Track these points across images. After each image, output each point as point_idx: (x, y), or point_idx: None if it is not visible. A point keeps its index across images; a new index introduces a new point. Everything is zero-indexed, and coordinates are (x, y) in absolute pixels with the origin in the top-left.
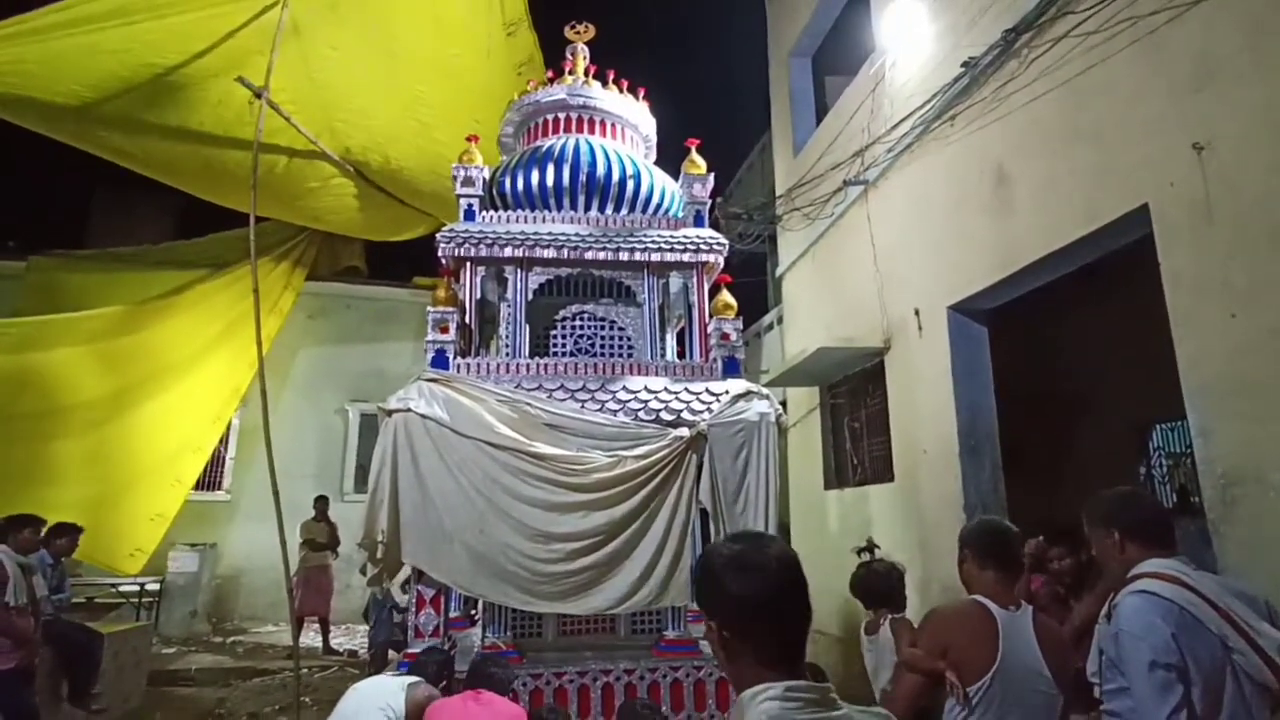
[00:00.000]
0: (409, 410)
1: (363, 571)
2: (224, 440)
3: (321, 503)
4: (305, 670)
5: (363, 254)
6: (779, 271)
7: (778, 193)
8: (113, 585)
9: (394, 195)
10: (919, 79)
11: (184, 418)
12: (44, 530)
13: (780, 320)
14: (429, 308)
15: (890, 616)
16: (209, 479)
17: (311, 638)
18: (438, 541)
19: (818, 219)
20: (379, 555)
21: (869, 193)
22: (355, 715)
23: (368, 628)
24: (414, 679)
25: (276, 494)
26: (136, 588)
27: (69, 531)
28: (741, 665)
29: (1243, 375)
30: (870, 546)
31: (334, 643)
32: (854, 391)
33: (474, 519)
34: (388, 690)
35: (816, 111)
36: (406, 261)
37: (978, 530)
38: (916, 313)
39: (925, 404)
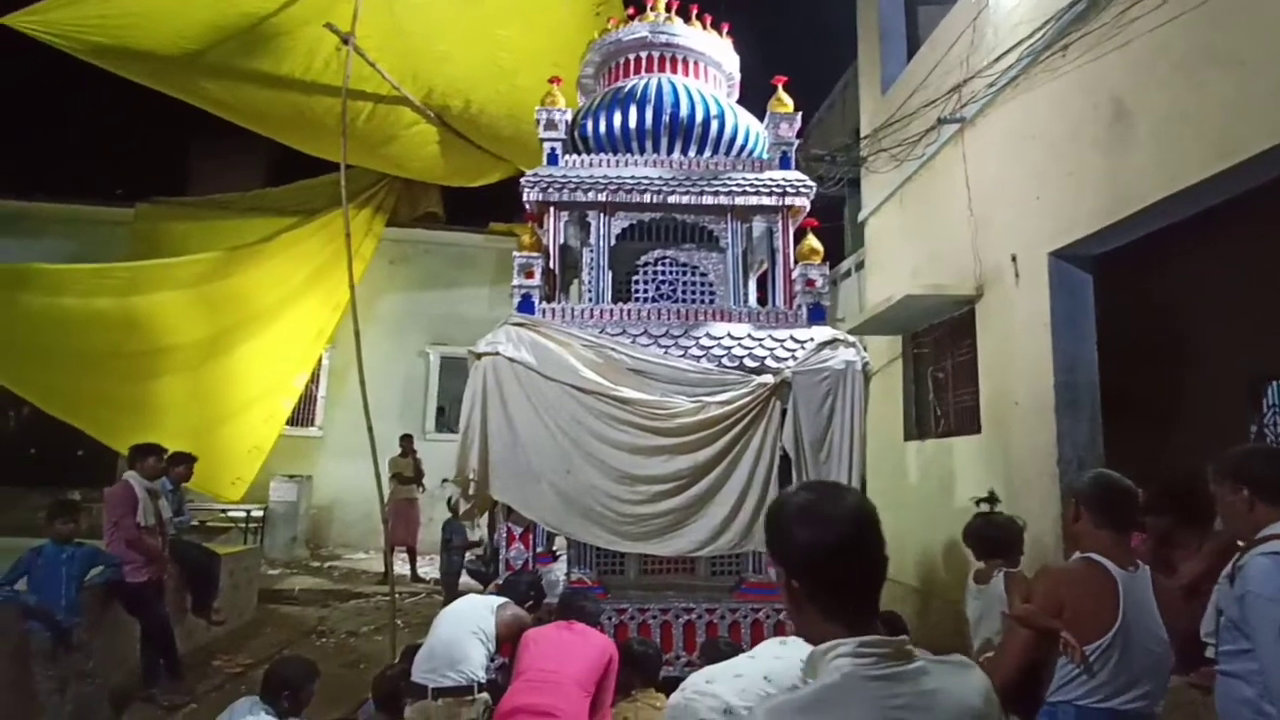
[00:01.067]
0: (497, 354)
1: (452, 507)
2: (314, 379)
3: (407, 440)
4: (397, 595)
5: (440, 200)
6: (862, 216)
7: (863, 133)
8: (222, 511)
9: (473, 141)
10: (1029, 5)
11: (276, 357)
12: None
13: (860, 267)
14: (515, 253)
15: (1005, 570)
16: (302, 415)
17: (400, 565)
18: (526, 481)
19: (906, 160)
20: (470, 492)
21: (965, 131)
22: (450, 639)
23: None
24: (502, 600)
25: (371, 431)
26: (243, 514)
27: (186, 460)
28: (809, 617)
29: None
30: (991, 498)
31: (420, 571)
32: (939, 341)
33: (561, 460)
34: (479, 613)
35: (908, 45)
36: (482, 208)
37: (1096, 486)
38: (1014, 259)
39: (1020, 354)
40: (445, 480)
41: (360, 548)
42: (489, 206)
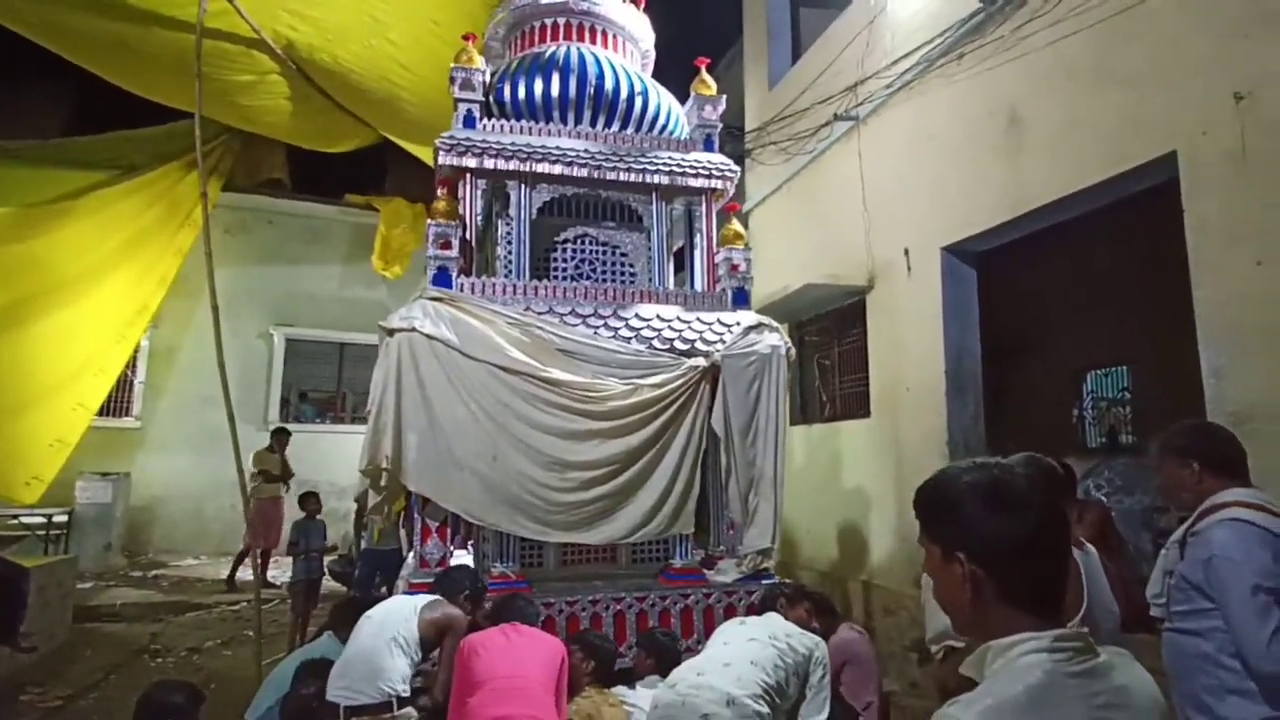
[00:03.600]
0: (413, 330)
1: (360, 501)
2: (131, 364)
3: (281, 435)
4: (246, 603)
5: (285, 166)
6: (747, 206)
7: (748, 125)
8: (13, 516)
9: (336, 100)
10: (927, 14)
11: (85, 336)
12: None
13: None
14: (429, 221)
15: None
16: (115, 405)
17: (242, 571)
18: (446, 469)
19: (796, 155)
20: (383, 483)
21: (859, 129)
22: (367, 650)
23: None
24: (430, 599)
25: (232, 421)
26: (42, 519)
27: None
28: (992, 607)
29: (1264, 320)
30: None
31: (269, 575)
32: (825, 330)
33: (485, 446)
34: (400, 617)
35: (793, 45)
36: (335, 177)
37: (1044, 472)
38: (906, 252)
39: (911, 343)
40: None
41: (188, 553)
42: (343, 176)
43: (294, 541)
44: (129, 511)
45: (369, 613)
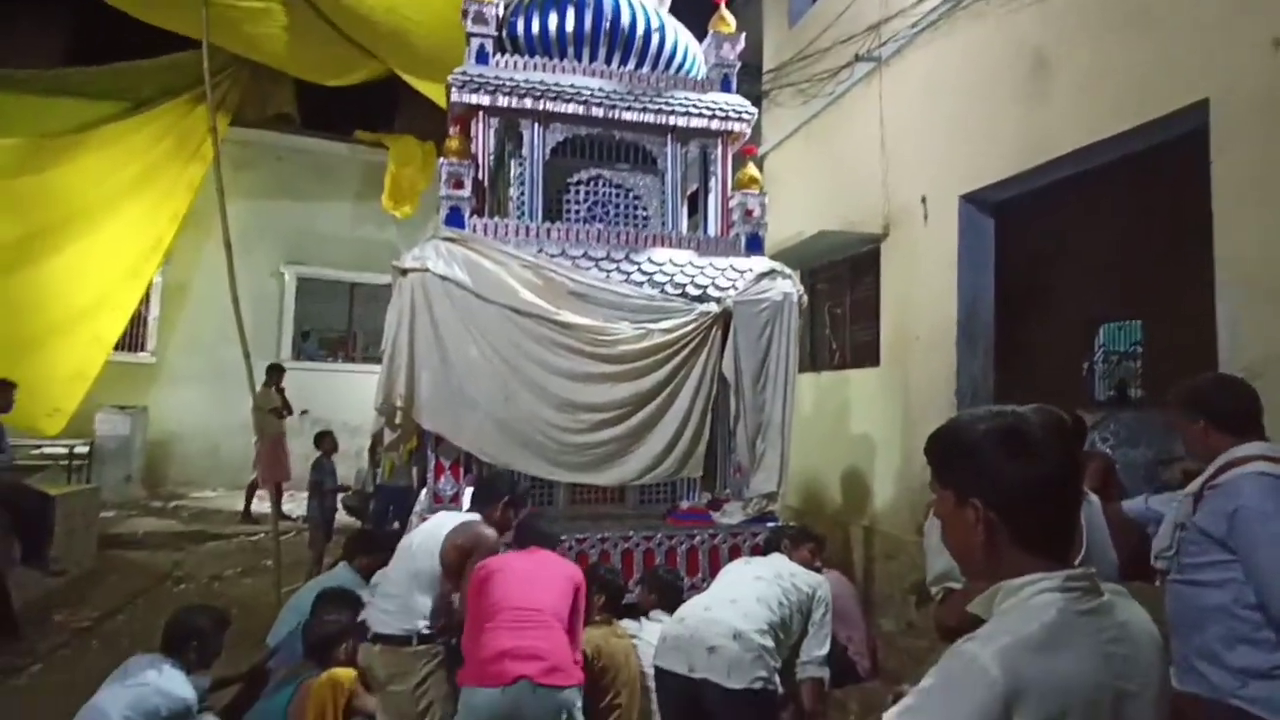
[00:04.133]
0: (426, 270)
1: (376, 438)
2: (145, 299)
3: (277, 371)
4: (263, 534)
5: (294, 100)
6: (763, 149)
7: (766, 65)
8: (35, 446)
9: (342, 30)
10: None
11: (99, 271)
12: None
13: None
14: (442, 160)
15: None
16: (131, 340)
17: (258, 503)
18: (460, 409)
19: (814, 96)
20: (397, 421)
21: (881, 71)
22: (399, 579)
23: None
24: (460, 522)
25: (248, 359)
26: (64, 450)
27: (3, 387)
28: (1005, 552)
29: None
30: None
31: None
32: (838, 277)
33: (498, 387)
34: (426, 551)
35: None
36: (343, 113)
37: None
38: (923, 200)
39: (924, 292)
40: (304, 412)
41: (205, 485)
42: (352, 112)
43: (318, 481)
44: (147, 445)
45: (408, 540)
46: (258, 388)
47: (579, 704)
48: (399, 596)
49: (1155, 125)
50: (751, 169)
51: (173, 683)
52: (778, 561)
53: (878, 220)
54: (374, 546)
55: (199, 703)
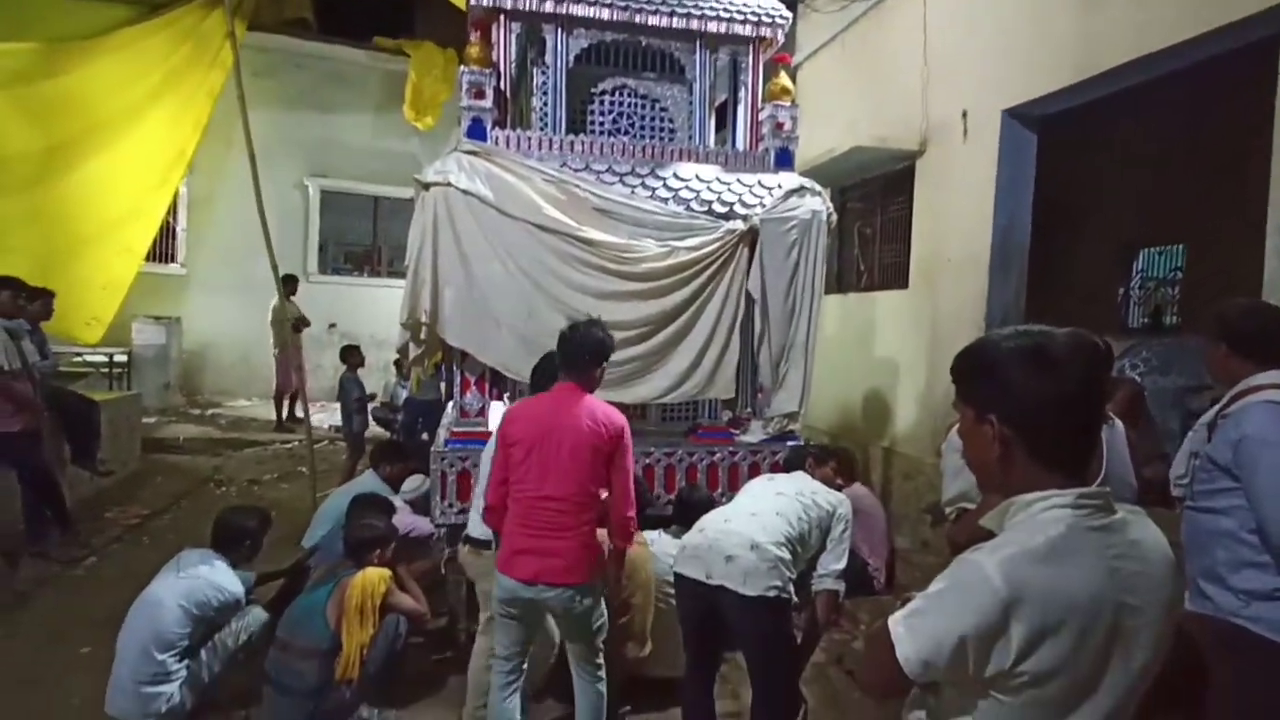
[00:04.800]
0: (449, 185)
1: (402, 353)
2: (173, 210)
3: (292, 283)
4: (298, 442)
5: (311, 4)
6: (797, 60)
7: None
8: (77, 354)
9: None
10: None
11: (126, 181)
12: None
13: None
14: (462, 68)
15: None
16: (161, 251)
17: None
18: (485, 325)
19: (854, 1)
20: (423, 336)
21: None
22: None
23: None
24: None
25: (276, 271)
26: (104, 358)
27: (43, 295)
28: (1020, 468)
29: None
30: None
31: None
32: (869, 196)
33: (521, 304)
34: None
35: None
36: (360, 20)
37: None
38: (964, 115)
39: (958, 212)
40: (332, 325)
41: (240, 395)
42: (370, 17)
43: (359, 397)
44: (183, 355)
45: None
46: (272, 299)
47: (589, 598)
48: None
49: (1219, 34)
50: (784, 79)
51: (223, 577)
52: (800, 479)
53: (914, 136)
54: (400, 455)
55: (246, 596)
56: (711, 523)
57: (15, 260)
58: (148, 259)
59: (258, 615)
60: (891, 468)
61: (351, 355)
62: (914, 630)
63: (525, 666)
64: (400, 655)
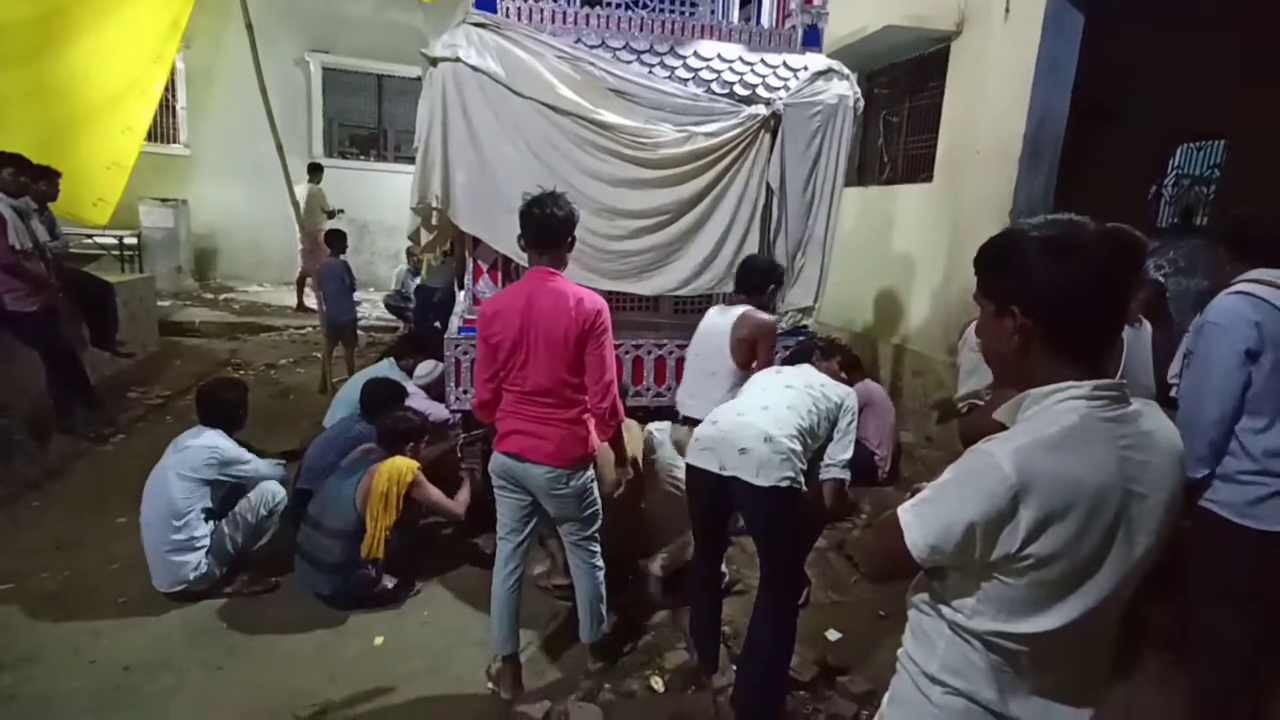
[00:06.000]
0: (458, 60)
1: (414, 239)
2: (170, 86)
3: (319, 171)
4: (311, 328)
5: None
6: None
7: None
8: (87, 236)
9: None
10: None
11: (120, 55)
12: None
13: None
14: None
15: None
16: (163, 130)
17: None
18: (497, 211)
19: None
20: (434, 222)
21: None
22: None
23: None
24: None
25: (281, 151)
26: (114, 240)
27: (48, 174)
28: (1038, 359)
29: None
30: None
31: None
32: (898, 82)
33: (534, 188)
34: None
35: None
36: None
37: None
38: None
39: (992, 99)
40: (340, 211)
41: (251, 280)
42: None
43: (345, 282)
44: (192, 238)
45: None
46: (298, 185)
47: (576, 481)
48: None
49: None
50: None
51: (210, 439)
52: (807, 372)
53: (951, 15)
54: (419, 348)
55: (281, 482)
56: (724, 416)
57: (17, 139)
58: (150, 139)
59: (274, 489)
60: (902, 364)
61: (334, 240)
62: (923, 517)
63: (526, 552)
64: (418, 534)
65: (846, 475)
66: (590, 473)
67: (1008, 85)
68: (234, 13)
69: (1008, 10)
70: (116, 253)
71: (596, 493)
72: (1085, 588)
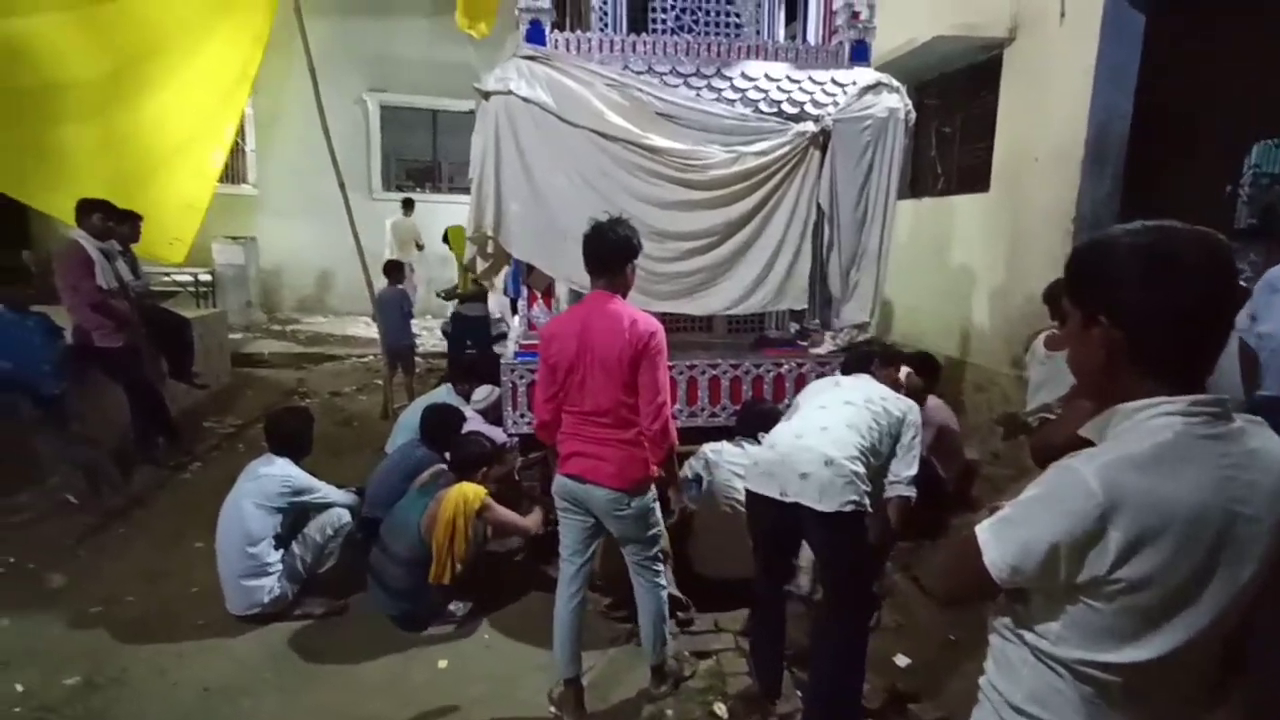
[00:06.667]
0: (510, 93)
1: (469, 267)
2: (240, 130)
3: (410, 206)
4: (373, 356)
5: None
6: None
7: None
8: (164, 274)
9: None
10: None
11: (195, 102)
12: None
13: None
14: None
15: None
16: (234, 172)
17: (364, 327)
18: (550, 239)
19: None
20: (489, 250)
21: None
22: None
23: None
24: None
25: (343, 188)
26: (189, 277)
27: (131, 218)
28: (1129, 373)
29: None
30: None
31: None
32: (949, 92)
33: (586, 215)
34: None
35: None
36: None
37: None
38: None
39: (1050, 105)
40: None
41: (316, 311)
42: None
43: (403, 311)
44: (260, 273)
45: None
46: (390, 218)
47: (637, 503)
48: None
49: None
50: None
51: (281, 468)
52: (866, 385)
53: (1003, 23)
54: (474, 375)
55: (352, 511)
56: (783, 438)
57: (94, 186)
58: (221, 180)
59: (340, 513)
60: (963, 379)
61: (391, 271)
62: (1002, 537)
63: (590, 575)
64: (483, 558)
65: (912, 492)
66: (652, 494)
67: (1066, 90)
68: (298, 58)
69: (1063, 14)
70: (192, 289)
71: (659, 514)
72: (1182, 616)
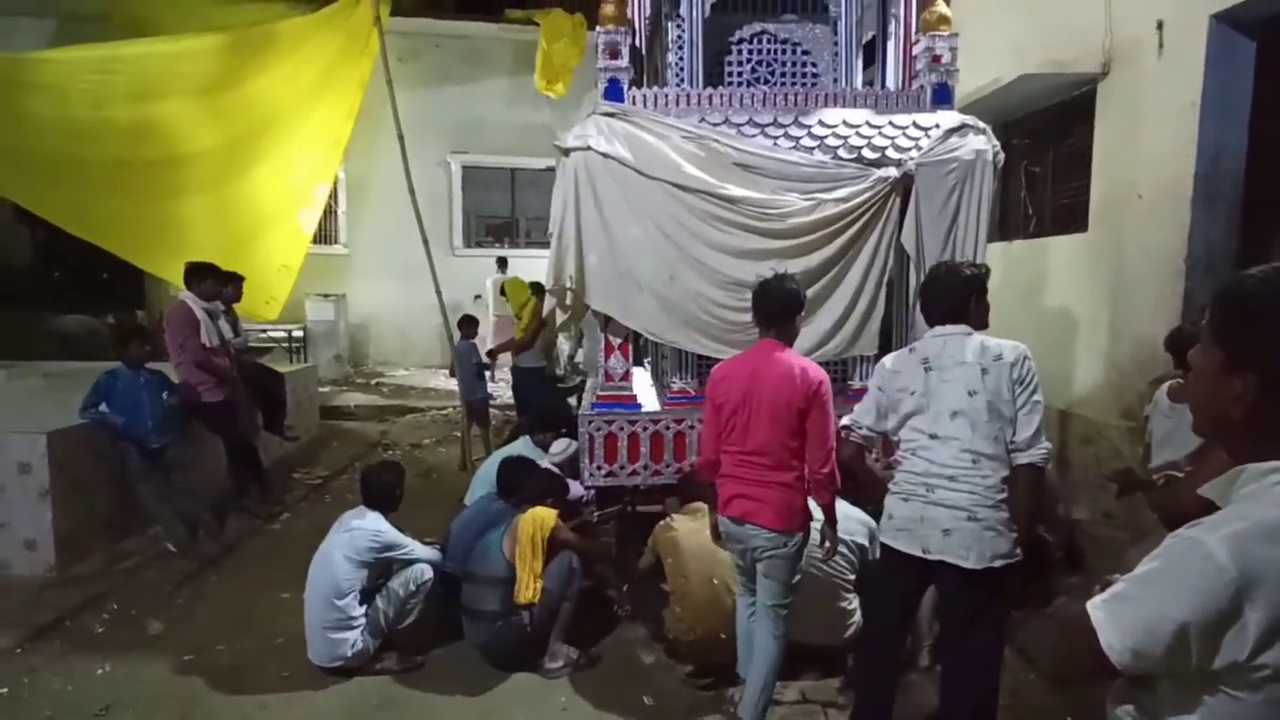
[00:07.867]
0: (589, 149)
1: (548, 319)
2: (334, 194)
3: (502, 262)
4: (452, 408)
5: None
6: None
7: None
8: (261, 331)
9: None
10: None
11: (294, 171)
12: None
13: None
14: (598, 29)
15: None
16: (325, 233)
17: (443, 379)
18: (627, 289)
19: None
20: (568, 302)
21: None
22: None
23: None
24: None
25: (427, 245)
26: (284, 334)
27: (235, 279)
28: (1268, 432)
29: None
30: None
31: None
32: (1038, 131)
33: (662, 266)
34: None
35: None
36: None
37: None
38: (1159, 25)
39: (1151, 141)
40: (477, 297)
41: (399, 365)
42: None
43: (476, 364)
44: (349, 328)
45: None
46: (489, 277)
47: (792, 545)
48: None
49: None
50: (941, 6)
51: (374, 523)
52: (966, 346)
53: (1095, 57)
54: (549, 424)
55: (434, 565)
56: (913, 491)
57: (202, 250)
58: (314, 241)
59: (423, 569)
60: (1069, 431)
61: (465, 325)
62: (1119, 616)
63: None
64: (578, 594)
65: (1039, 456)
66: (805, 535)
67: (1170, 124)
68: (386, 127)
69: (1161, 46)
70: (286, 344)
71: (804, 562)
72: None
